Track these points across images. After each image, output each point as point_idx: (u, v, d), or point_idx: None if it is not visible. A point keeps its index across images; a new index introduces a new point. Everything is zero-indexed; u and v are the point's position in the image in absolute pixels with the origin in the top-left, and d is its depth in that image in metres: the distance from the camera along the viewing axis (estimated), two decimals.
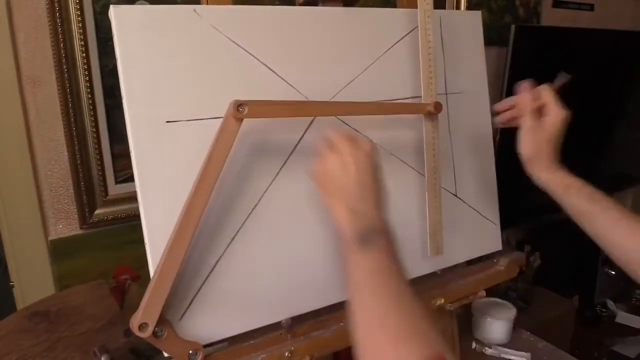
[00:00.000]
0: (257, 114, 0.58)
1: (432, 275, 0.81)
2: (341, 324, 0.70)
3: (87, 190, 1.04)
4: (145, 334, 0.53)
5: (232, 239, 0.62)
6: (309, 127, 0.67)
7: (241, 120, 0.57)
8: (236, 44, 0.63)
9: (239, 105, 0.55)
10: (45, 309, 0.89)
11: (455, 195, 0.83)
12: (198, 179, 0.55)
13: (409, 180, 0.77)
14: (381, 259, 0.51)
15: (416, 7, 0.78)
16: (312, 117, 0.68)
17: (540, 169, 0.73)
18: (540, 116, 0.74)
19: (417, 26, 0.76)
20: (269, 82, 0.65)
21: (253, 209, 0.64)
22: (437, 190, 0.77)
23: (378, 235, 0.53)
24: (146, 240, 0.58)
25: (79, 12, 0.96)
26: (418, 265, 0.78)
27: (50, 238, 1.04)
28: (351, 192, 0.56)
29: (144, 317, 0.53)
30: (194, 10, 0.60)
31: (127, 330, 0.56)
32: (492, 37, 1.56)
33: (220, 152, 0.56)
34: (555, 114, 0.73)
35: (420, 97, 0.76)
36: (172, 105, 0.58)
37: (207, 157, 0.55)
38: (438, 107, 0.73)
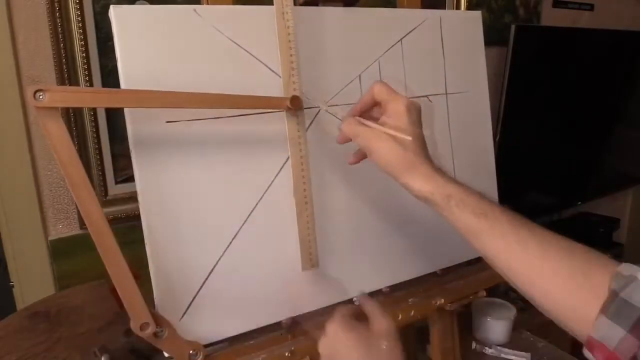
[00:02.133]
0: (60, 102, 0.50)
1: (432, 275, 0.81)
2: None
3: None
4: (146, 334, 0.53)
5: (232, 238, 0.62)
6: (309, 127, 0.67)
7: (50, 108, 0.49)
8: (236, 44, 0.63)
9: (36, 91, 0.48)
10: (45, 309, 0.89)
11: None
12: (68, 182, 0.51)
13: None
14: None
15: (417, 7, 0.78)
16: (312, 118, 0.68)
17: (413, 181, 0.55)
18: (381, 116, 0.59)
19: (417, 26, 0.76)
20: (269, 82, 0.65)
21: (253, 209, 0.64)
22: (309, 196, 0.65)
23: None
24: (146, 240, 0.58)
25: (79, 12, 0.97)
26: (418, 265, 0.78)
27: (50, 238, 1.04)
28: None
29: (143, 317, 0.53)
30: (194, 10, 0.60)
31: (127, 330, 0.56)
32: (492, 37, 1.56)
33: (59, 146, 0.50)
34: (399, 110, 0.57)
35: (424, 96, 0.76)
36: None
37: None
38: (296, 102, 0.62)
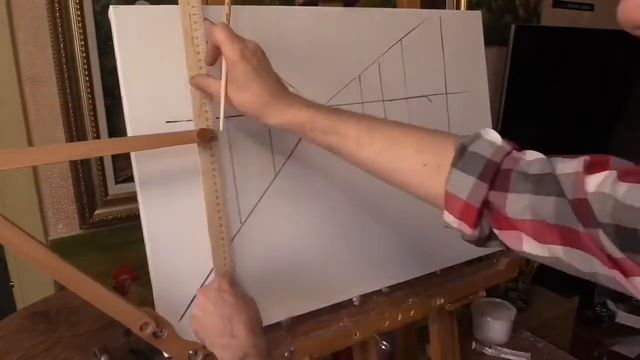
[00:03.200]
0: None
1: (432, 275, 0.81)
2: (341, 324, 0.70)
3: (87, 190, 1.04)
4: (146, 334, 0.53)
5: (232, 239, 0.62)
6: None
7: None
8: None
9: None
10: (45, 309, 0.89)
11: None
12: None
13: None
14: None
15: (417, 7, 0.78)
16: None
17: (268, 116, 0.54)
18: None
19: (417, 26, 0.76)
20: None
21: (252, 210, 0.64)
22: (225, 235, 0.61)
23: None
24: (146, 240, 0.58)
25: (79, 12, 0.97)
26: (418, 265, 0.78)
27: (50, 238, 1.04)
28: (217, 330, 0.55)
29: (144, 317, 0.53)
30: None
31: (127, 330, 0.56)
32: (492, 37, 1.56)
33: None
34: (231, 51, 0.52)
35: (424, 96, 0.76)
36: (172, 105, 0.58)
37: None
38: (205, 135, 0.57)
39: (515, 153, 0.46)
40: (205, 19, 0.58)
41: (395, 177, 0.52)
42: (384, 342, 0.88)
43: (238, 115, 0.59)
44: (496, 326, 1.14)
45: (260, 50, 0.55)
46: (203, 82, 0.57)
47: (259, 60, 0.54)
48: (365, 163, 0.53)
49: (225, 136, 0.61)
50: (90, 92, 1.01)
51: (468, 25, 0.85)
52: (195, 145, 0.58)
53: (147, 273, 0.58)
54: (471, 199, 0.44)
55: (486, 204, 0.44)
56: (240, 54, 0.52)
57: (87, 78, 1.00)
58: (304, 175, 0.67)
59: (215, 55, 0.56)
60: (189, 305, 0.59)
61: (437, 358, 0.87)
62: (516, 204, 0.42)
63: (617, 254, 0.35)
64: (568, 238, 0.39)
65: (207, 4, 0.61)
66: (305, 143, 0.66)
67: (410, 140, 0.51)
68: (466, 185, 0.45)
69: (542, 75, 1.63)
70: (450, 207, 0.47)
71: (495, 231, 0.46)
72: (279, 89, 0.55)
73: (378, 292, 0.75)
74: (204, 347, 0.57)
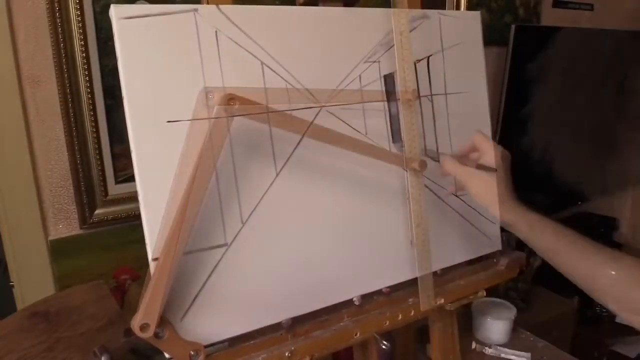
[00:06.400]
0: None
1: (432, 275, 0.81)
2: (341, 324, 0.70)
3: (87, 190, 1.04)
4: (147, 335, 0.53)
5: (232, 240, 0.62)
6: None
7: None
8: (237, 43, 0.63)
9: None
10: (45, 309, 0.89)
11: (455, 195, 0.83)
12: (192, 176, 0.55)
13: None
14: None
15: (417, 7, 0.78)
16: (312, 119, 0.68)
17: (502, 212, 0.72)
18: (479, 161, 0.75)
19: (417, 26, 0.76)
20: (270, 82, 0.65)
21: (253, 210, 0.64)
22: (427, 244, 0.75)
23: None
24: (146, 241, 0.57)
25: (79, 12, 0.97)
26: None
27: (50, 238, 1.04)
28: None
29: (145, 317, 0.53)
30: (195, 9, 0.60)
31: (127, 330, 0.56)
32: (492, 37, 1.57)
33: (213, 149, 0.55)
34: (493, 155, 0.73)
35: (424, 96, 0.76)
36: (173, 104, 0.58)
37: (200, 154, 0.55)
38: (423, 165, 0.72)
39: None
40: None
41: (602, 297, 0.65)
42: (384, 342, 0.88)
43: (242, 115, 0.59)
44: (496, 326, 1.14)
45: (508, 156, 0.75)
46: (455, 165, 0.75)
47: (507, 167, 0.74)
48: (583, 273, 0.67)
49: (226, 136, 0.61)
50: (90, 92, 1.01)
51: (468, 25, 0.85)
52: (195, 148, 0.58)
53: (147, 273, 0.58)
54: None
55: None
56: (502, 156, 0.73)
57: (87, 78, 1.00)
58: (304, 176, 0.67)
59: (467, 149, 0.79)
60: (189, 306, 0.59)
61: (437, 358, 0.87)
62: None
63: None
64: None
65: (207, 3, 0.61)
66: (306, 144, 0.66)
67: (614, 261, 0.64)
68: None
69: (542, 75, 1.63)
70: None
71: None
72: (512, 190, 0.73)
73: (378, 292, 0.75)
74: (205, 347, 0.57)
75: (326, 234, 0.69)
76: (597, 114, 1.89)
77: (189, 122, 0.58)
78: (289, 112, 0.65)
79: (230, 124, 0.58)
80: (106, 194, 1.07)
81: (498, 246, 0.89)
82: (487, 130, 0.89)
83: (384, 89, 0.75)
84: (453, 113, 0.83)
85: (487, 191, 0.72)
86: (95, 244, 1.06)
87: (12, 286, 1.03)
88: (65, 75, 0.98)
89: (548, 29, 1.75)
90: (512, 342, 1.14)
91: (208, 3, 0.61)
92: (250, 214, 0.63)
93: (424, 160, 0.73)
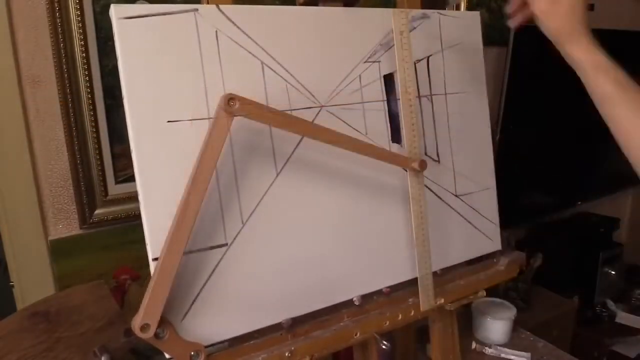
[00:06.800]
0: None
1: (432, 275, 0.81)
2: (341, 324, 0.70)
3: (87, 190, 1.04)
4: (147, 335, 0.53)
5: (233, 240, 0.62)
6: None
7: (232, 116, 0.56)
8: (237, 43, 0.63)
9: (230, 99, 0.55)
10: (45, 309, 0.89)
11: (455, 195, 0.83)
12: (193, 175, 0.55)
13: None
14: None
15: (417, 7, 0.78)
16: (313, 118, 0.68)
17: (572, 46, 0.67)
18: None
19: (417, 27, 0.76)
20: (270, 82, 0.65)
21: (254, 210, 0.64)
22: (427, 244, 0.76)
23: None
24: (147, 240, 0.57)
25: (79, 12, 0.96)
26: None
27: (50, 238, 1.04)
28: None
29: (145, 317, 0.53)
30: (195, 9, 0.60)
31: (127, 330, 0.56)
32: (492, 37, 1.56)
33: (213, 149, 0.55)
34: None
35: (424, 96, 0.76)
36: (173, 104, 0.58)
37: (200, 154, 0.56)
38: (423, 165, 0.73)
39: None
40: None
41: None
42: (384, 342, 0.88)
43: (243, 116, 0.59)
44: (496, 326, 1.14)
45: None
46: None
47: None
48: (627, 126, 0.65)
49: (227, 136, 0.60)
50: (90, 92, 1.01)
51: (467, 25, 0.85)
52: (196, 145, 0.58)
53: (147, 273, 0.58)
54: None
55: None
56: None
57: (87, 78, 1.00)
58: (305, 176, 0.67)
59: None
60: (190, 306, 0.59)
61: (437, 358, 0.87)
62: None
63: None
64: None
65: (207, 3, 0.61)
66: (307, 143, 0.66)
67: None
68: None
69: (542, 76, 1.62)
70: None
71: None
72: (588, 24, 0.68)
73: (378, 292, 0.75)
74: (206, 347, 0.57)
75: (326, 234, 0.70)
76: (598, 113, 1.89)
77: (208, 128, 0.58)
78: (289, 112, 0.65)
79: (230, 124, 0.58)
80: (106, 194, 1.07)
81: (498, 246, 0.89)
82: (487, 130, 0.89)
83: (384, 89, 0.75)
84: (453, 113, 0.83)
85: (560, 23, 0.68)
86: (95, 244, 1.06)
87: (12, 286, 1.03)
88: (65, 75, 0.98)
89: None
90: (512, 342, 1.14)
91: (208, 3, 0.61)
92: (251, 214, 0.63)
93: (424, 160, 0.72)
